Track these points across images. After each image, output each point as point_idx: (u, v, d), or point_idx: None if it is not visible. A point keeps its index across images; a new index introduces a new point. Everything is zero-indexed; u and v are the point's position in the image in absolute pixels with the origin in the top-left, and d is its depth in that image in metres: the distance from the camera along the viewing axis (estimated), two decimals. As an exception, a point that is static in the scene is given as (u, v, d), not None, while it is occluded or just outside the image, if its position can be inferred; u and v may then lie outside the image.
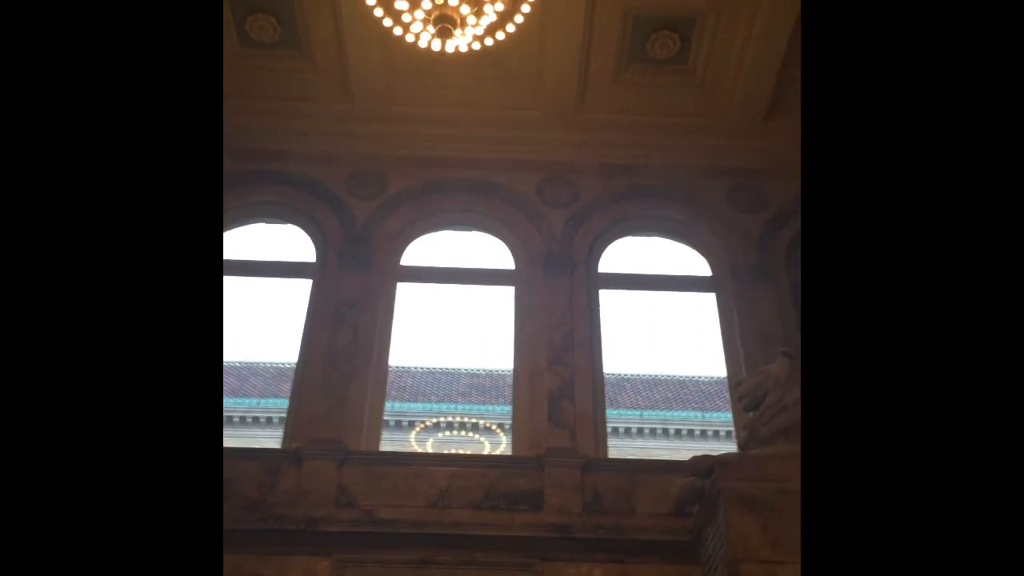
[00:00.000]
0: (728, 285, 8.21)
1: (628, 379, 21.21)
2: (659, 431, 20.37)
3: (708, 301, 8.43)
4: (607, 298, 8.36)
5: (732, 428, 7.93)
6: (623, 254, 8.75)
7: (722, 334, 8.05)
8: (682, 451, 13.93)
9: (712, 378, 18.77)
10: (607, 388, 8.13)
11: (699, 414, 20.66)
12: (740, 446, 6.38)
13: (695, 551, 6.14)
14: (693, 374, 21.46)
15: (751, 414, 6.39)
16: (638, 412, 20.58)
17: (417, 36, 6.52)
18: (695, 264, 8.62)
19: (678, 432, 20.41)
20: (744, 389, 6.51)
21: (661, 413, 20.77)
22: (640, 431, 20.22)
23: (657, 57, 8.24)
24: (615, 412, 18.43)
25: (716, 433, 19.63)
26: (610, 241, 8.61)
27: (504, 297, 8.36)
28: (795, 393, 5.98)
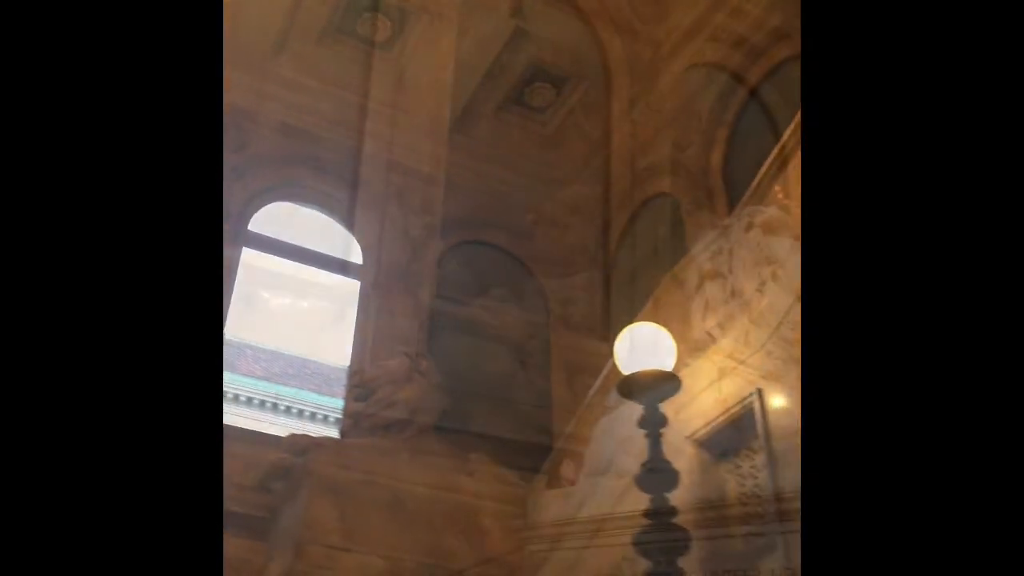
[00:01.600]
0: (375, 278, 8.27)
1: (251, 347, 20.56)
2: (269, 404, 19.97)
3: (352, 288, 8.44)
4: (250, 258, 8.03)
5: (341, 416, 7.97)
6: (279, 218, 8.48)
7: (356, 323, 8.08)
8: (288, 429, 13.74)
9: (336, 365, 18.83)
10: (226, 352, 7.74)
11: (315, 396, 20.61)
12: (341, 433, 6.44)
13: (269, 529, 6.04)
14: (318, 358, 21.39)
15: (361, 404, 6.48)
16: (253, 381, 20.02)
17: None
18: (349, 249, 8.60)
19: (289, 409, 20.16)
20: (360, 379, 6.58)
21: (277, 387, 20.39)
22: (250, 400, 19.65)
23: (365, 36, 8.15)
24: (228, 377, 17.75)
25: (327, 418, 19.70)
26: (269, 202, 8.29)
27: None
28: (406, 392, 6.16)
